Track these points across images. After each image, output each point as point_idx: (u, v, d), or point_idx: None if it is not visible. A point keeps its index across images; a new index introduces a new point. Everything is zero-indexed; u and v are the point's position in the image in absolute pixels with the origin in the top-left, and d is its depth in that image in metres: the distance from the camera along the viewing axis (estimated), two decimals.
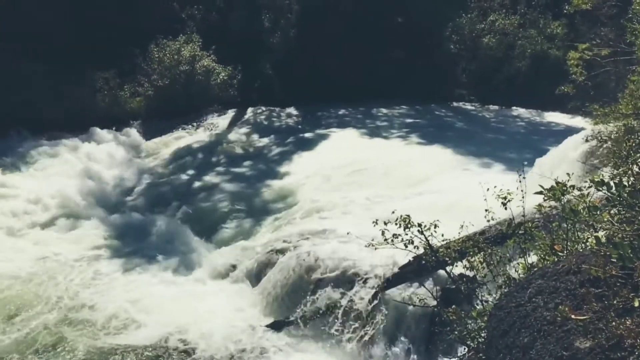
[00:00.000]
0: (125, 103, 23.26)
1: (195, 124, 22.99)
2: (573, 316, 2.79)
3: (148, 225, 14.22)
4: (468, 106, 26.72)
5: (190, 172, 18.06)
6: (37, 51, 21.03)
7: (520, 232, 4.72)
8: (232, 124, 23.24)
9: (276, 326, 10.07)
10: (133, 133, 21.77)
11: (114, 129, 21.42)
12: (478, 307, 4.73)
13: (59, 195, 15.51)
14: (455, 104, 26.84)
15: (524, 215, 4.89)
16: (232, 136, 21.52)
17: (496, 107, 26.13)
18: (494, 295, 4.85)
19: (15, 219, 14.32)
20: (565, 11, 13.30)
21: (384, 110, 24.70)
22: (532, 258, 4.53)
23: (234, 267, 12.00)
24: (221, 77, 24.27)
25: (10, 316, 10.35)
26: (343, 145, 18.96)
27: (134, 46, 23.39)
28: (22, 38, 21.19)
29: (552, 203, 4.16)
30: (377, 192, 13.63)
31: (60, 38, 21.69)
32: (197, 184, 17.04)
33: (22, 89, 20.52)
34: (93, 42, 22.29)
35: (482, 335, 4.33)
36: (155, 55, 23.60)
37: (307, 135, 20.75)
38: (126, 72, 23.80)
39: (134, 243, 13.37)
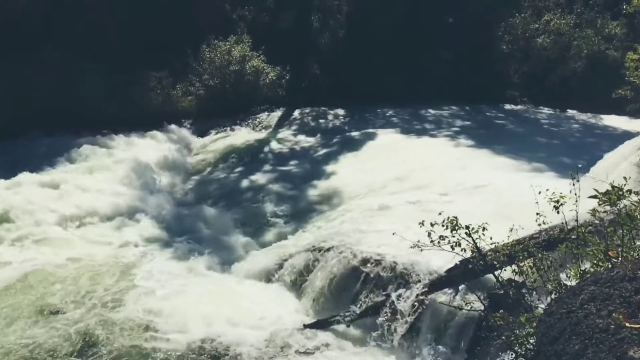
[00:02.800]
0: (177, 102, 23.90)
1: (244, 123, 23.38)
2: (627, 324, 2.69)
3: (195, 223, 14.50)
4: (520, 108, 26.07)
5: (238, 170, 18.36)
6: (95, 51, 21.88)
7: (572, 237, 4.58)
8: (280, 124, 23.50)
9: (319, 326, 10.08)
10: (184, 131, 22.35)
11: (166, 126, 22.02)
12: (527, 313, 4.62)
13: (110, 192, 16.02)
14: (506, 105, 26.24)
15: (577, 220, 4.75)
16: (279, 135, 21.74)
17: (549, 109, 25.40)
18: (544, 301, 4.73)
19: (66, 214, 14.65)
20: (624, 11, 12.79)
21: (432, 111, 24.41)
22: (585, 264, 4.39)
23: (278, 265, 12.08)
24: (270, 77, 24.59)
25: (47, 313, 10.34)
26: (390, 147, 18.84)
27: (186, 46, 23.99)
28: (81, 38, 22.08)
29: (607, 208, 4.02)
30: (423, 194, 13.48)
31: (117, 38, 22.48)
32: (244, 182, 17.30)
33: (80, 87, 21.38)
34: (147, 42, 23.00)
35: (531, 341, 4.24)
36: (206, 55, 24.14)
37: (354, 135, 20.73)
38: (178, 71, 24.45)
39: (180, 240, 13.60)
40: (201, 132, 22.37)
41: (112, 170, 17.78)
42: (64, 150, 18.88)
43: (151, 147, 20.06)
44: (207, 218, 14.70)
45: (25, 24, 21.94)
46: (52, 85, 20.98)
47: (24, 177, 16.47)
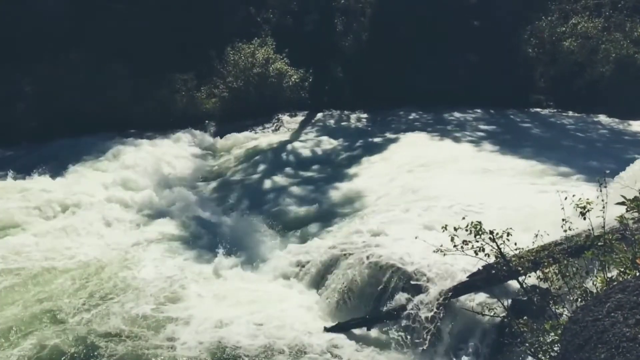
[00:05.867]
0: (201, 104, 24.15)
1: (266, 125, 23.51)
2: None
3: (218, 223, 14.60)
4: (546, 112, 25.70)
5: (261, 172, 18.45)
6: (122, 53, 22.28)
7: (599, 244, 4.51)
8: (302, 126, 23.57)
9: (340, 329, 10.06)
10: (208, 133, 22.55)
11: (190, 128, 22.25)
12: (551, 320, 4.56)
13: (134, 193, 16.19)
14: (532, 109, 25.90)
15: (603, 227, 4.67)
16: (302, 138, 21.80)
17: (576, 113, 24.95)
18: (569, 309, 4.67)
19: (89, 213, 14.85)
20: None
21: (457, 115, 24.22)
22: (612, 272, 4.32)
23: (299, 268, 12.09)
24: (293, 79, 24.68)
25: (54, 314, 10.26)
26: (413, 150, 18.75)
27: (211, 49, 24.24)
28: (109, 41, 22.49)
29: (635, 214, 3.96)
30: (447, 199, 13.37)
31: (144, 41, 22.83)
32: (266, 184, 17.38)
33: (106, 89, 21.79)
34: (173, 45, 23.32)
35: (555, 349, 4.18)
36: (230, 58, 24.35)
37: (377, 139, 20.69)
38: (203, 74, 24.71)
39: (201, 241, 13.68)
40: (224, 134, 22.52)
41: (137, 171, 18.02)
42: (92, 151, 19.22)
43: (175, 149, 20.33)
44: (229, 219, 14.80)
45: (56, 27, 22.45)
46: (81, 87, 21.44)
47: (51, 177, 16.84)
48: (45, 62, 21.62)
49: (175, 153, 19.87)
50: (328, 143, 21.06)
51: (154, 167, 18.37)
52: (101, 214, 14.86)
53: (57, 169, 17.55)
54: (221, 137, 22.32)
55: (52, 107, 20.94)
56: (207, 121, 23.55)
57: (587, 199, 4.76)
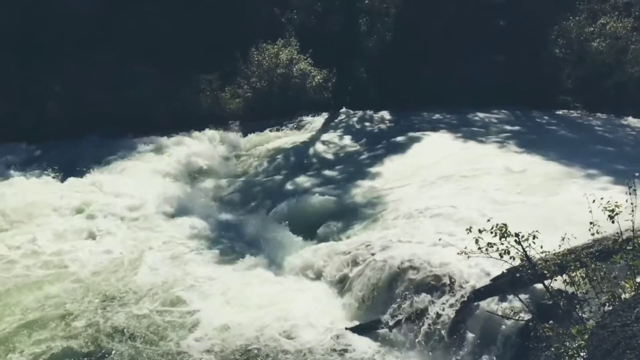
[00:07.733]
0: (225, 104, 24.33)
1: (290, 125, 23.58)
2: None
3: (241, 222, 14.69)
4: (573, 114, 25.23)
5: (283, 172, 18.50)
6: (148, 53, 22.56)
7: (628, 247, 4.42)
8: (325, 127, 23.57)
9: (361, 330, 10.05)
10: (231, 133, 22.70)
11: (214, 128, 22.42)
12: (578, 325, 4.48)
13: (157, 191, 16.32)
14: (559, 111, 25.47)
15: (632, 230, 4.58)
16: (324, 138, 21.79)
17: (604, 115, 24.45)
18: (596, 314, 4.59)
19: (110, 212, 14.96)
20: None
21: (481, 115, 23.95)
22: None
23: (321, 268, 12.09)
24: (316, 80, 24.72)
25: (72, 314, 10.33)
26: (436, 151, 18.60)
27: (236, 49, 24.41)
28: (136, 40, 22.80)
29: None
30: (471, 200, 13.25)
31: (169, 41, 23.11)
32: (288, 184, 17.41)
33: (132, 89, 22.10)
34: (199, 45, 23.55)
35: (582, 354, 4.11)
36: (255, 58, 24.49)
37: (400, 139, 20.56)
38: (227, 74, 24.89)
39: (226, 239, 13.73)
40: (248, 134, 22.66)
41: (161, 170, 18.23)
42: (115, 151, 19.46)
43: (199, 148, 20.49)
44: (250, 219, 14.89)
45: (83, 27, 22.83)
46: (107, 87, 21.77)
47: (74, 177, 17.09)
48: (72, 62, 22.00)
49: (199, 152, 20.03)
50: (351, 143, 21.03)
51: (177, 166, 18.57)
52: (118, 214, 14.96)
53: (77, 169, 17.66)
54: (245, 137, 22.45)
55: (79, 106, 21.29)
56: (230, 121, 23.71)
57: (616, 202, 4.67)
